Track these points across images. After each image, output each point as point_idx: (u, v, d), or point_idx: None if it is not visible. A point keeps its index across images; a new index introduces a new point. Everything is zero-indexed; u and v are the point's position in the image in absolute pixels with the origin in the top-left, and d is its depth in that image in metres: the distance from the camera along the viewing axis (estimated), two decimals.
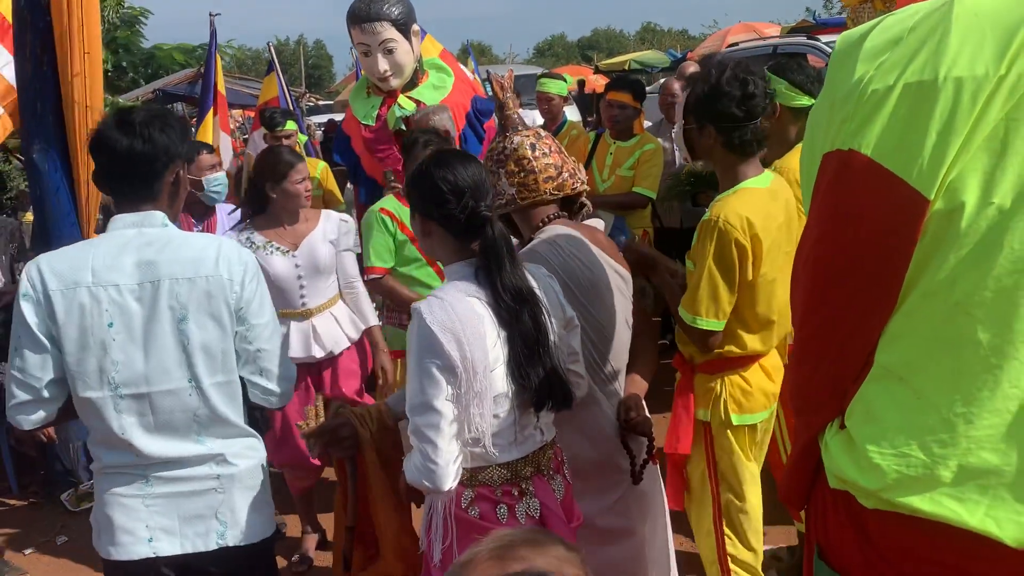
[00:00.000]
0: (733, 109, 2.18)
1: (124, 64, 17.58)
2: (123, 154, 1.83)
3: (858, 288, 1.10)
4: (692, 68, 6.66)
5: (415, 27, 4.06)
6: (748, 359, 2.34)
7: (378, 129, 4.05)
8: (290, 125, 4.72)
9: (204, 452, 1.88)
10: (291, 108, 6.32)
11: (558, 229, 2.14)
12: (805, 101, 2.68)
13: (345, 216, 3.35)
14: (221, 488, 1.91)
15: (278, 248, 3.12)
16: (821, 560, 1.21)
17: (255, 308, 1.91)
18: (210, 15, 5.02)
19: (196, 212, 3.58)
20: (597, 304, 2.10)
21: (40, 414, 1.85)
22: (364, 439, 1.97)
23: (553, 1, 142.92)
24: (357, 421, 1.98)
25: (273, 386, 1.97)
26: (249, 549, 1.95)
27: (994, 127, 1.02)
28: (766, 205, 2.23)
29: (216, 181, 3.58)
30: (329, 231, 3.22)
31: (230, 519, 1.91)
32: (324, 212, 3.31)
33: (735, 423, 2.33)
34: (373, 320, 3.34)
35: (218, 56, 5.24)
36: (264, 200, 3.12)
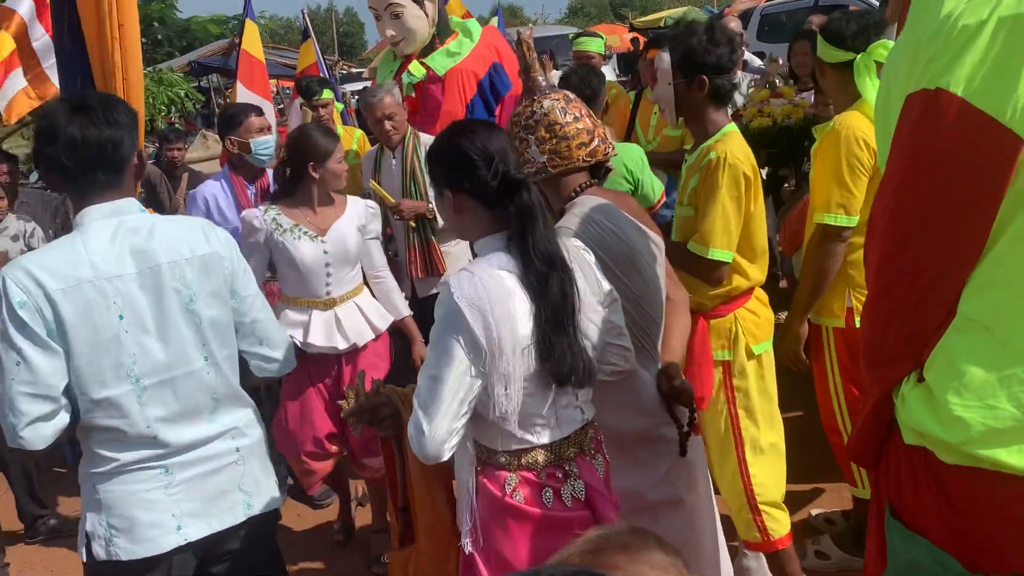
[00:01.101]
0: (724, 60, 2.40)
1: (160, 37, 17.69)
2: (90, 142, 1.73)
3: (944, 234, 1.04)
4: (734, 23, 6.52)
5: None
6: (750, 291, 2.53)
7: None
8: (327, 94, 4.68)
9: (219, 429, 1.87)
10: (327, 76, 6.29)
11: (591, 200, 2.08)
12: (843, 56, 2.56)
13: (371, 202, 3.24)
14: (241, 460, 1.90)
15: (306, 233, 2.96)
16: (894, 519, 1.17)
17: (243, 280, 1.92)
18: None
19: (247, 175, 3.51)
20: (634, 275, 2.06)
21: (61, 420, 1.73)
22: (405, 419, 1.93)
23: None
24: (399, 399, 1.94)
25: (275, 353, 1.99)
26: (271, 515, 1.98)
27: None
28: (746, 146, 2.45)
29: (264, 144, 3.48)
30: (357, 217, 3.08)
31: (254, 488, 1.92)
32: (350, 198, 3.16)
33: (756, 352, 2.52)
34: (406, 311, 3.23)
35: (251, 22, 5.15)
36: (298, 181, 2.98)
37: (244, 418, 1.93)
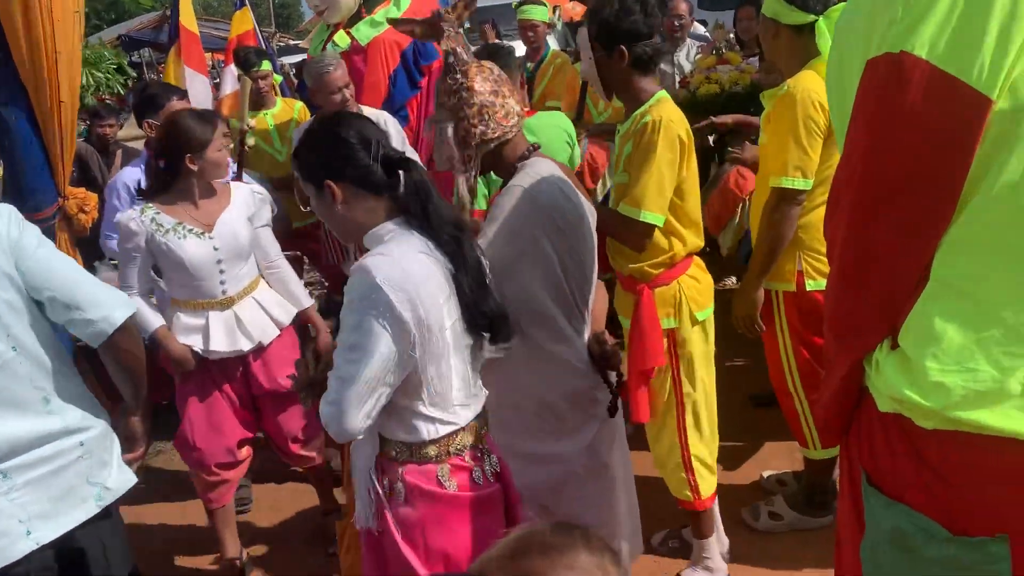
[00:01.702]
0: (640, 26, 2.36)
1: (86, 10, 16.99)
2: None
3: (914, 199, 1.03)
4: None
5: None
6: (689, 258, 2.54)
7: None
8: (265, 65, 4.53)
9: (59, 425, 1.77)
10: (264, 47, 6.09)
11: (541, 163, 2.08)
12: (801, 17, 2.54)
13: (257, 187, 3.00)
14: (87, 454, 1.82)
15: (191, 230, 2.70)
16: (872, 486, 1.17)
17: (28, 253, 1.75)
18: None
19: None
20: (580, 240, 2.07)
21: None
22: None
23: None
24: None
25: (93, 313, 1.79)
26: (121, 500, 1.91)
27: None
28: (679, 111, 2.45)
29: None
30: (245, 206, 2.85)
31: (103, 477, 1.85)
32: (233, 184, 2.92)
33: (700, 319, 2.54)
34: (307, 300, 3.04)
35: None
36: (175, 175, 2.70)
37: (83, 410, 1.82)
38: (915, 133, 1.01)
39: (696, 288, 2.55)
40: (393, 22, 2.43)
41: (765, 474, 3.30)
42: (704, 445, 2.62)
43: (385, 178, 1.68)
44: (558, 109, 4.56)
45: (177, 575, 3.17)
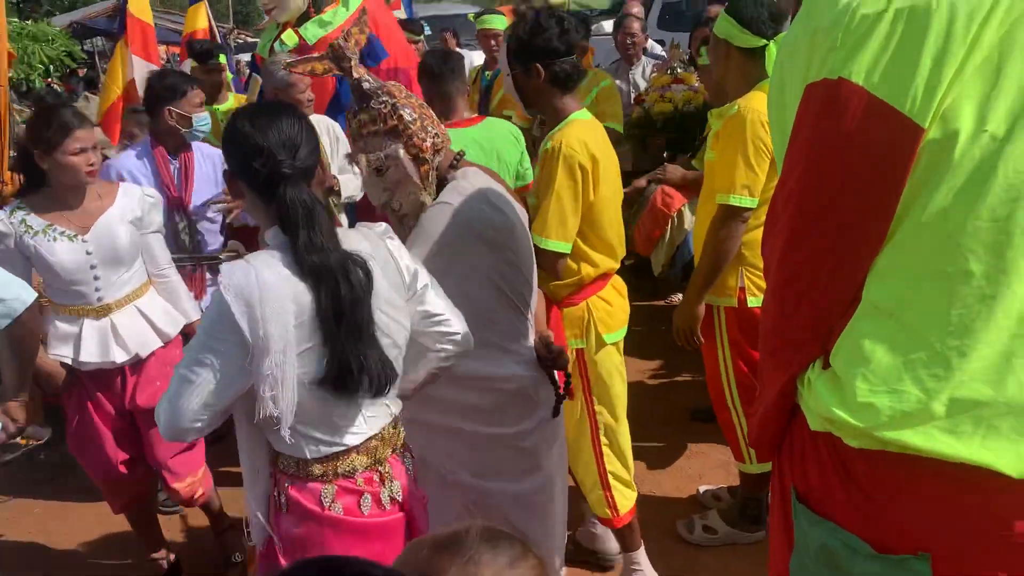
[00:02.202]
0: (555, 43, 2.37)
1: None
2: None
3: (847, 222, 1.06)
4: (636, 8, 6.61)
5: None
6: (602, 279, 2.56)
7: None
8: (220, 59, 4.46)
9: None
10: (219, 42, 6.00)
11: (470, 173, 2.07)
12: (754, 41, 2.62)
13: (150, 191, 2.84)
14: None
15: (63, 232, 2.55)
16: (801, 503, 1.19)
17: None
18: None
19: (171, 147, 3.24)
20: (514, 249, 2.06)
21: None
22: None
23: None
24: None
25: (4, 294, 1.77)
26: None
27: (988, 53, 0.98)
28: (594, 132, 2.44)
29: (203, 120, 3.23)
30: (130, 209, 2.67)
31: None
32: (123, 186, 2.74)
33: (608, 342, 2.56)
34: (194, 314, 2.86)
35: None
36: (40, 173, 2.55)
37: None
38: (849, 157, 1.04)
39: (607, 310, 2.56)
40: (289, 64, 2.35)
41: (701, 489, 3.35)
42: (619, 462, 2.65)
43: (269, 189, 1.60)
44: (510, 119, 4.58)
45: (101, 574, 3.09)
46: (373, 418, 1.70)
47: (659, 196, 3.89)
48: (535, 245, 2.36)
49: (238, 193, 1.68)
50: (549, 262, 2.41)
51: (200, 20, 5.92)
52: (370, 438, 1.69)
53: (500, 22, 5.23)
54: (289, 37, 3.93)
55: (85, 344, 2.62)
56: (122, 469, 2.74)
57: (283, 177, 1.59)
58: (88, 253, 2.58)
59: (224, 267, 1.56)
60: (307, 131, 1.65)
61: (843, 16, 1.04)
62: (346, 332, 1.58)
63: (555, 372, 2.18)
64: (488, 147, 2.96)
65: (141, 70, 4.68)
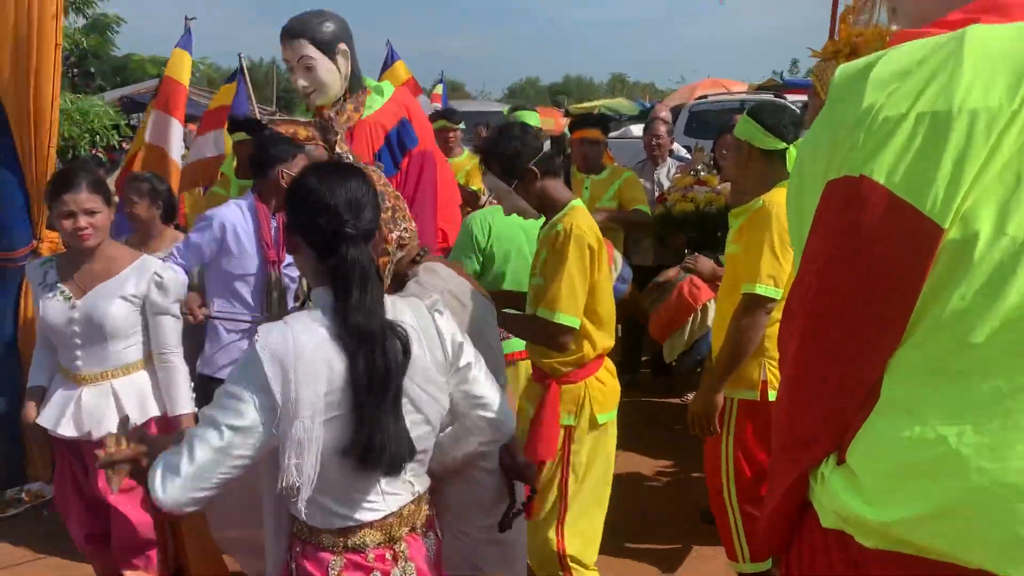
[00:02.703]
0: (531, 142, 2.59)
1: (92, 70, 17.28)
2: None
3: (864, 319, 1.06)
4: (664, 112, 6.82)
5: (343, 47, 4.06)
6: (599, 359, 2.64)
7: None
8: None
9: None
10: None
11: (435, 268, 2.08)
12: (775, 144, 2.72)
13: (173, 267, 2.80)
14: None
15: (63, 292, 2.54)
16: None
17: None
18: (186, 19, 4.93)
19: (271, 206, 3.34)
20: (479, 340, 1.95)
21: None
22: None
23: (528, 47, 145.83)
24: (163, 449, 1.65)
25: None
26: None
27: (1008, 159, 1.00)
28: (592, 219, 2.61)
29: None
30: (132, 284, 2.59)
31: None
32: (142, 258, 2.67)
33: (601, 421, 2.62)
34: (185, 407, 2.66)
35: (182, 51, 4.95)
36: None
37: None
38: (868, 255, 1.05)
39: (602, 391, 2.63)
40: (274, 122, 2.45)
41: None
42: (583, 545, 2.64)
43: (330, 249, 1.60)
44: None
45: None
46: (393, 495, 1.64)
47: (687, 286, 3.91)
48: (544, 320, 2.47)
49: (293, 248, 1.68)
50: (557, 337, 2.49)
51: (225, 98, 5.99)
52: (387, 515, 1.62)
53: (532, 118, 5.42)
54: None
55: (49, 409, 2.58)
56: (89, 543, 2.68)
57: (346, 237, 1.59)
58: (72, 319, 2.54)
59: (262, 327, 1.54)
60: (373, 194, 1.67)
61: (865, 117, 1.07)
62: (374, 403, 1.54)
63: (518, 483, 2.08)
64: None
65: (162, 124, 4.71)
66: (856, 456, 1.08)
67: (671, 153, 5.89)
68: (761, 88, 14.05)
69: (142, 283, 2.60)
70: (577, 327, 2.49)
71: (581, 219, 2.53)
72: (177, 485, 1.49)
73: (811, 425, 1.13)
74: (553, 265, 2.49)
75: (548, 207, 2.61)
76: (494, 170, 2.63)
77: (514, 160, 2.57)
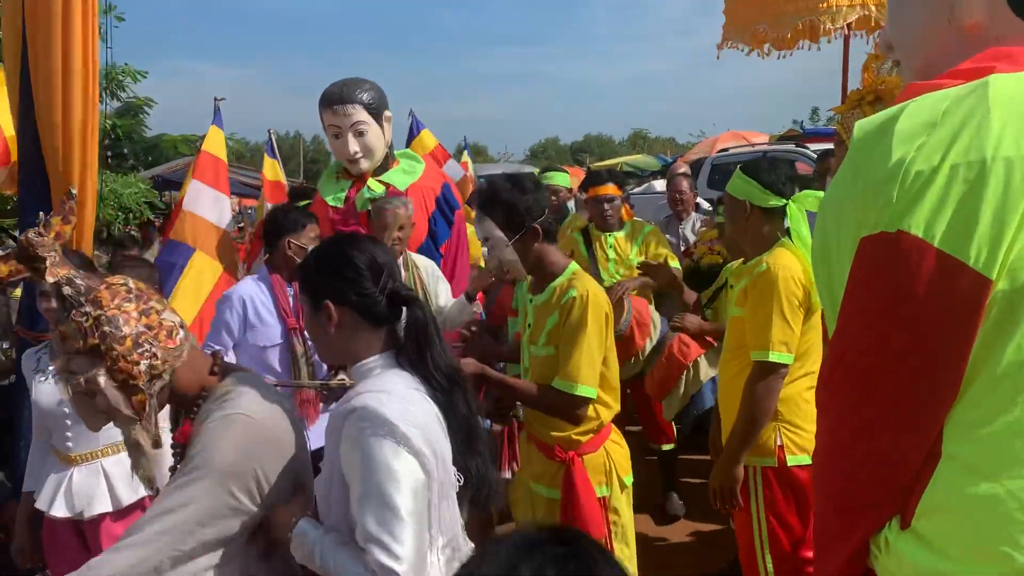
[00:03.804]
0: (541, 201, 2.49)
1: (125, 151, 17.83)
2: None
3: (916, 380, 1.03)
4: (683, 168, 6.85)
5: (387, 114, 4.17)
6: (610, 424, 2.58)
7: (345, 211, 4.10)
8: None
9: None
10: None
11: (246, 380, 1.70)
12: (775, 201, 2.69)
13: None
14: None
15: (55, 375, 2.54)
16: None
17: None
18: (215, 100, 5.08)
19: (285, 276, 3.38)
20: (303, 464, 1.71)
21: None
22: None
23: (548, 109, 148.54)
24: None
25: None
26: None
27: None
28: (597, 283, 2.53)
29: None
30: None
31: None
32: None
33: (627, 484, 2.58)
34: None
35: (217, 129, 5.10)
36: None
37: None
38: (914, 312, 1.02)
39: (621, 453, 2.58)
40: None
41: None
42: None
43: (386, 311, 1.62)
44: None
45: None
46: (468, 545, 1.66)
47: (676, 344, 3.90)
48: (563, 393, 2.37)
49: (329, 322, 1.61)
50: (575, 409, 2.42)
51: (274, 174, 6.33)
52: None
53: (563, 179, 5.50)
54: (375, 185, 4.12)
55: (44, 490, 2.62)
56: None
57: (408, 298, 1.62)
58: (61, 401, 2.54)
59: (368, 400, 1.48)
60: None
61: (897, 171, 1.05)
62: (475, 446, 1.62)
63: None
64: None
65: (198, 193, 4.81)
66: (925, 520, 1.04)
67: (696, 208, 5.90)
68: (782, 138, 14.13)
69: None
70: (594, 397, 2.42)
71: (592, 283, 2.46)
72: (404, 568, 1.43)
73: (868, 490, 1.09)
74: (571, 334, 2.40)
75: (543, 270, 2.52)
76: (495, 218, 2.48)
77: (522, 214, 2.45)
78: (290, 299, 3.34)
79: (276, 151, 6.39)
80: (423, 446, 1.48)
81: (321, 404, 3.33)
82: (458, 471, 1.59)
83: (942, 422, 1.03)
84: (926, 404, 1.03)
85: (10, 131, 4.90)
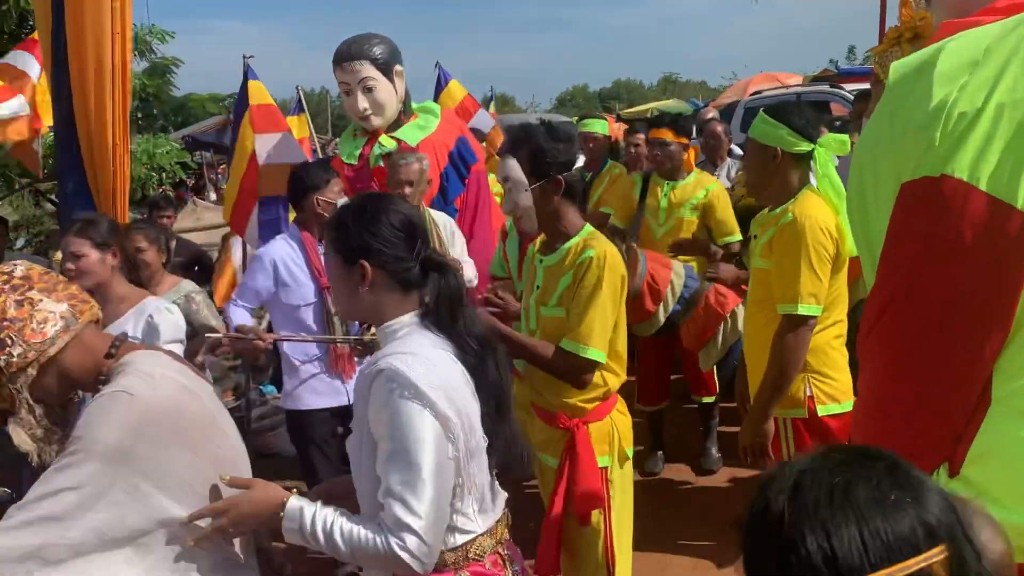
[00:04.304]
0: (572, 155, 2.36)
1: (155, 112, 17.93)
2: None
3: (966, 322, 1.02)
4: (712, 112, 6.71)
5: (398, 68, 4.13)
6: (617, 393, 2.49)
7: (359, 168, 4.14)
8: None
9: None
10: (322, 154, 6.39)
11: (140, 358, 1.59)
12: (805, 147, 2.61)
13: (169, 308, 2.80)
14: None
15: None
16: None
17: None
18: (244, 57, 5.06)
19: (316, 232, 3.42)
20: (218, 436, 1.63)
21: None
22: None
23: (575, 55, 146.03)
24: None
25: None
26: None
27: None
28: (614, 247, 2.40)
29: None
30: (132, 326, 2.67)
31: None
32: (144, 300, 2.76)
33: (629, 455, 2.49)
34: None
35: (254, 82, 5.07)
36: None
37: None
38: (962, 255, 1.01)
39: (625, 424, 2.49)
40: None
41: None
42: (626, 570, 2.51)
43: (420, 276, 1.63)
44: (609, 217, 4.67)
45: None
46: (501, 495, 1.71)
47: (712, 295, 3.85)
48: (570, 354, 2.28)
49: (361, 281, 1.62)
50: (581, 373, 2.32)
51: (301, 131, 6.30)
52: (497, 520, 1.69)
53: (601, 126, 5.42)
54: (387, 141, 4.12)
55: None
56: None
57: (440, 264, 1.64)
58: None
59: (394, 362, 1.51)
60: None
61: (939, 115, 1.03)
62: (505, 412, 1.64)
63: None
64: None
65: (267, 143, 4.77)
66: (975, 467, 1.03)
67: (730, 153, 5.80)
68: (816, 79, 13.76)
69: (140, 325, 2.71)
70: (603, 362, 2.33)
71: (611, 245, 2.35)
72: (422, 533, 1.47)
73: (916, 439, 1.09)
74: (586, 294, 2.28)
75: (556, 229, 2.40)
76: (520, 158, 2.35)
77: (548, 162, 2.32)
78: (321, 257, 3.37)
79: (305, 107, 6.37)
80: (447, 409, 1.51)
81: (356, 359, 3.38)
82: (486, 435, 1.62)
83: (992, 367, 1.02)
84: (976, 349, 1.02)
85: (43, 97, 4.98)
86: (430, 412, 1.49)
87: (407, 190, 3.58)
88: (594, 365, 2.32)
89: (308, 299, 3.36)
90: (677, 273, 3.93)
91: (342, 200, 3.37)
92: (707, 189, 4.30)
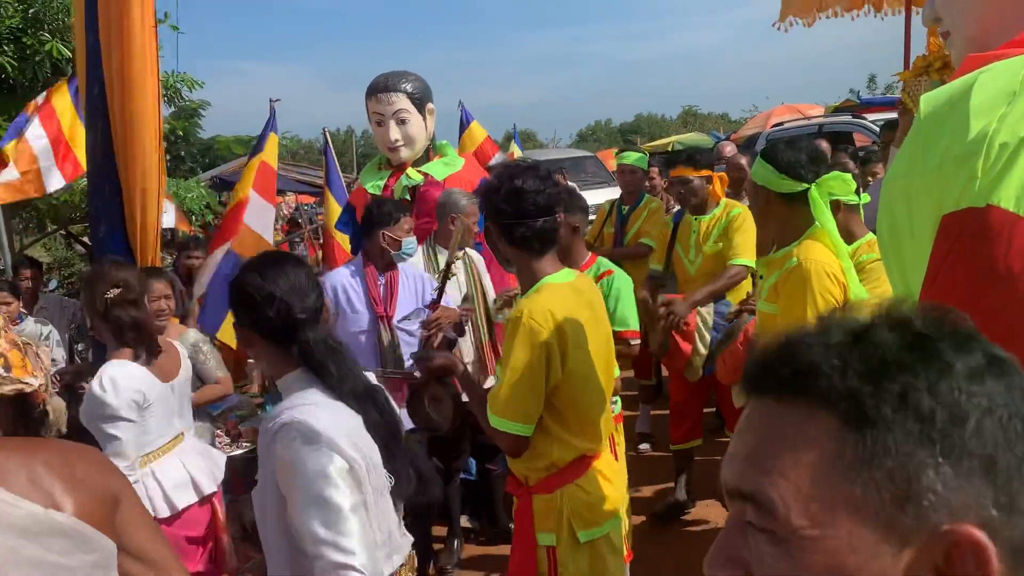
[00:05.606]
0: (502, 205, 2.15)
1: (183, 154, 18.30)
2: None
3: (1018, 354, 0.99)
4: (729, 148, 6.72)
5: (430, 106, 4.20)
6: (581, 465, 2.20)
7: None
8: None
9: None
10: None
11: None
12: (794, 187, 2.45)
13: (200, 338, 3.17)
14: None
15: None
16: None
17: None
18: (270, 101, 5.17)
19: (379, 266, 3.53)
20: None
21: None
22: None
23: (597, 90, 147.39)
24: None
25: None
26: None
27: None
28: (568, 299, 2.17)
29: (410, 244, 3.54)
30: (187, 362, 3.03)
31: None
32: (180, 338, 3.11)
33: (582, 540, 2.17)
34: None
35: (274, 135, 5.20)
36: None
37: None
38: (1009, 286, 0.98)
39: (584, 502, 2.18)
40: None
41: None
42: None
43: (284, 334, 1.68)
44: (652, 248, 4.75)
45: None
46: (406, 538, 1.78)
47: (752, 328, 3.79)
48: (492, 427, 2.12)
49: (247, 342, 1.73)
50: (505, 445, 2.15)
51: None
52: (403, 564, 1.73)
53: (639, 160, 5.43)
54: (414, 174, 4.17)
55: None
56: None
57: (298, 323, 1.67)
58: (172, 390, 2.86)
59: (296, 414, 1.59)
60: (312, 277, 1.76)
61: (979, 145, 1.02)
62: (393, 449, 1.71)
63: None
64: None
65: (257, 206, 4.93)
66: None
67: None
68: (838, 109, 13.75)
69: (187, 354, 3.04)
70: (525, 434, 2.10)
71: (541, 305, 2.11)
72: (358, 566, 1.53)
73: None
74: (505, 358, 2.11)
75: (519, 279, 2.27)
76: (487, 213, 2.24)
77: (493, 208, 2.19)
78: (380, 288, 3.47)
79: (331, 150, 6.48)
80: (353, 452, 1.57)
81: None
82: (391, 473, 1.70)
83: None
84: None
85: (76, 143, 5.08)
86: (338, 456, 1.55)
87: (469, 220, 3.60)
88: (513, 437, 2.11)
89: (363, 327, 3.46)
90: (703, 321, 3.89)
91: (409, 239, 3.44)
92: (729, 216, 4.25)
